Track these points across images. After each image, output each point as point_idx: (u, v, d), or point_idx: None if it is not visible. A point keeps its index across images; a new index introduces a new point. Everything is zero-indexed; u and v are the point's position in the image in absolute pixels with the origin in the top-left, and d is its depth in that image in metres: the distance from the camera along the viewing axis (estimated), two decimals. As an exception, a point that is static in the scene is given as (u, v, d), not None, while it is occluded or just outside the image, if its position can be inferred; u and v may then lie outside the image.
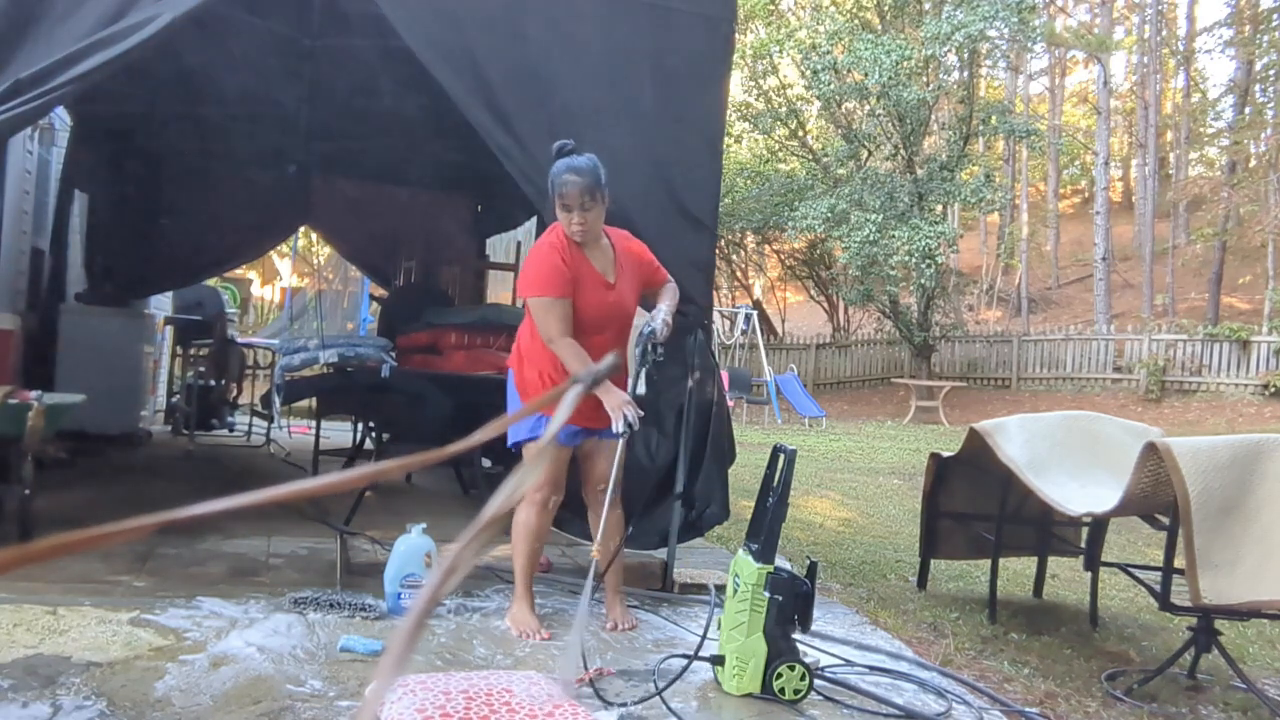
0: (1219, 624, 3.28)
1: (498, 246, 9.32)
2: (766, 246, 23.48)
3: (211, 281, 9.75)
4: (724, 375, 4.22)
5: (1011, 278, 26.25)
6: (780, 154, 20.83)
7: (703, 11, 3.89)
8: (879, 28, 18.76)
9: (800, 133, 20.54)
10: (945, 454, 4.50)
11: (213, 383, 8.08)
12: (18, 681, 2.50)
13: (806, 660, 2.85)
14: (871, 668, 3.17)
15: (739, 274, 24.20)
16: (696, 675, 2.90)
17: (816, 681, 2.84)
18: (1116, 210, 26.45)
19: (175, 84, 6.12)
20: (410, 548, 3.38)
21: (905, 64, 16.13)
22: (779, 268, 24.78)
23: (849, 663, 3.20)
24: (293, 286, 21.62)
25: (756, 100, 20.18)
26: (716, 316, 16.37)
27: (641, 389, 3.06)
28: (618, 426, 2.98)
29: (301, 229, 10.54)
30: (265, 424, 7.70)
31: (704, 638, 2.91)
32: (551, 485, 3.25)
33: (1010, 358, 18.60)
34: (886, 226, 16.00)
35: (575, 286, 3.10)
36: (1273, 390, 15.23)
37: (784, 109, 20.04)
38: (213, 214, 7.75)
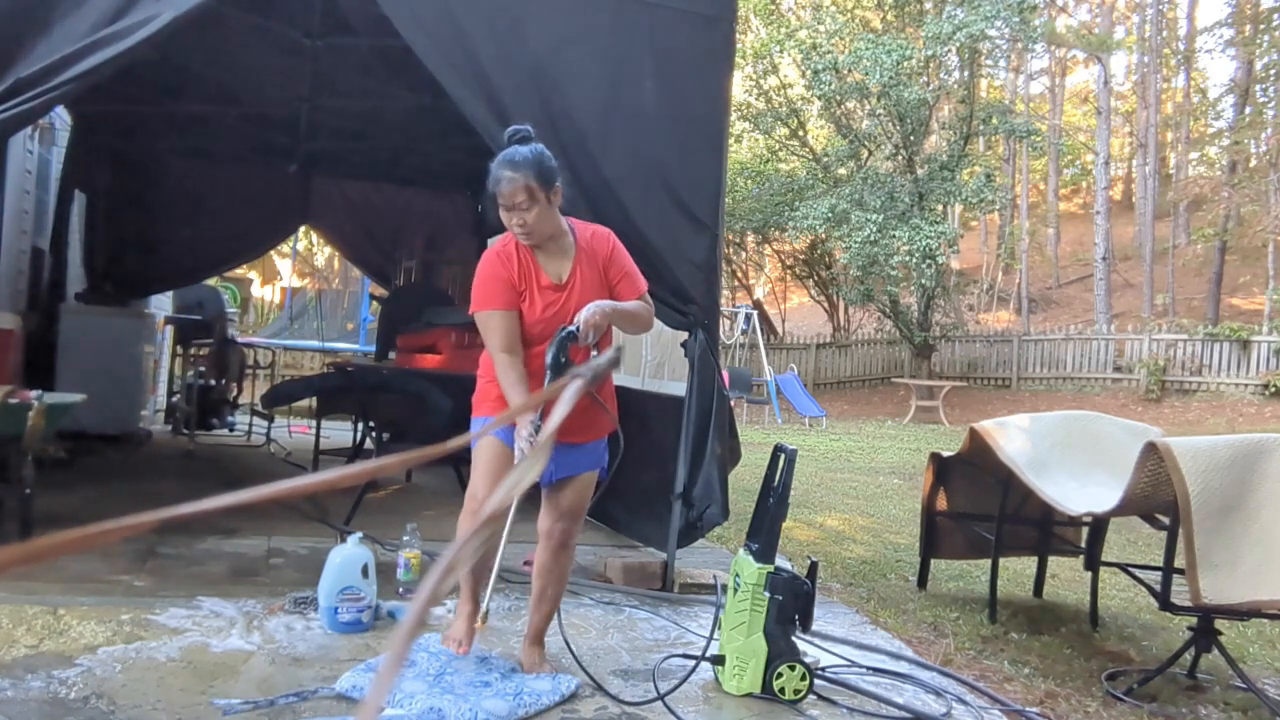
0: (1219, 624, 3.27)
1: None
2: (767, 246, 23.48)
3: (211, 281, 9.76)
4: (724, 375, 4.16)
5: (1011, 278, 26.25)
6: (780, 154, 20.83)
7: (703, 11, 3.90)
8: (879, 27, 18.76)
9: (800, 132, 20.54)
10: (945, 454, 4.50)
11: (213, 383, 8.09)
12: (18, 681, 2.50)
13: (806, 660, 2.85)
14: (872, 668, 3.17)
15: (739, 274, 24.20)
16: (697, 675, 2.90)
17: (817, 681, 2.84)
18: (1117, 210, 26.45)
19: (175, 83, 6.13)
20: (346, 559, 3.16)
21: (906, 64, 16.13)
22: (779, 268, 24.78)
23: (849, 662, 3.20)
24: (293, 286, 21.65)
25: (757, 100, 20.19)
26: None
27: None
28: (517, 459, 2.69)
29: (301, 229, 10.57)
30: (265, 424, 7.71)
31: (710, 639, 2.91)
32: (492, 490, 2.75)
33: (1010, 357, 18.59)
34: (887, 226, 16.00)
35: (525, 295, 2.79)
36: (1273, 390, 15.22)
37: (784, 109, 20.04)
38: (213, 214, 7.76)
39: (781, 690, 2.76)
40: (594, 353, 2.71)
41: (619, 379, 5.19)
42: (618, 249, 2.91)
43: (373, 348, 9.67)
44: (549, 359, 2.64)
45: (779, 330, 22.97)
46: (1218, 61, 51.15)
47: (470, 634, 2.90)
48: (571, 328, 2.65)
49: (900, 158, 17.58)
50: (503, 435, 2.78)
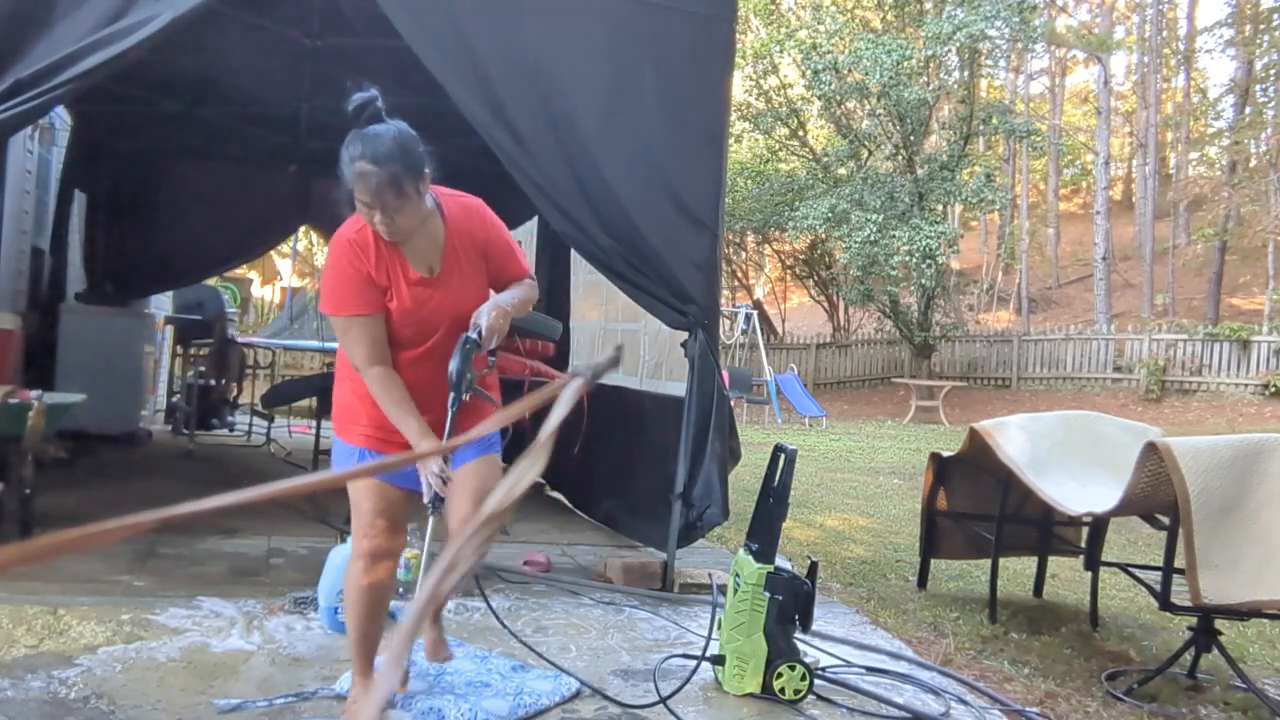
0: (1219, 624, 3.27)
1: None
2: (767, 246, 23.49)
3: (211, 281, 9.75)
4: (724, 375, 4.15)
5: (1011, 278, 26.25)
6: (780, 154, 20.83)
7: (703, 11, 3.90)
8: (879, 27, 18.77)
9: (801, 132, 20.55)
10: (945, 454, 4.50)
11: (213, 382, 8.08)
12: (18, 681, 2.50)
13: (806, 660, 2.85)
14: (871, 668, 3.17)
15: (739, 274, 24.21)
16: (697, 675, 2.90)
17: (817, 681, 2.84)
18: (1117, 210, 26.45)
19: (175, 84, 6.13)
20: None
21: (906, 64, 16.14)
22: (779, 268, 24.78)
23: (849, 663, 3.20)
24: (293, 286, 21.64)
25: (757, 100, 20.19)
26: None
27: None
28: (426, 497, 2.35)
29: (301, 229, 10.56)
30: (265, 424, 7.71)
31: (708, 638, 2.91)
32: (388, 528, 2.39)
33: (1010, 357, 18.60)
34: (887, 226, 16.01)
35: (388, 291, 2.33)
36: (1273, 390, 15.23)
37: (784, 109, 20.05)
38: (213, 214, 7.75)
39: (781, 690, 2.76)
40: (491, 359, 2.42)
41: (618, 379, 5.19)
42: (493, 225, 2.48)
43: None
44: (453, 371, 2.29)
45: (779, 330, 22.97)
46: (1218, 61, 51.06)
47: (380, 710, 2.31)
48: (473, 335, 2.30)
49: (900, 158, 17.59)
50: (394, 479, 2.40)
